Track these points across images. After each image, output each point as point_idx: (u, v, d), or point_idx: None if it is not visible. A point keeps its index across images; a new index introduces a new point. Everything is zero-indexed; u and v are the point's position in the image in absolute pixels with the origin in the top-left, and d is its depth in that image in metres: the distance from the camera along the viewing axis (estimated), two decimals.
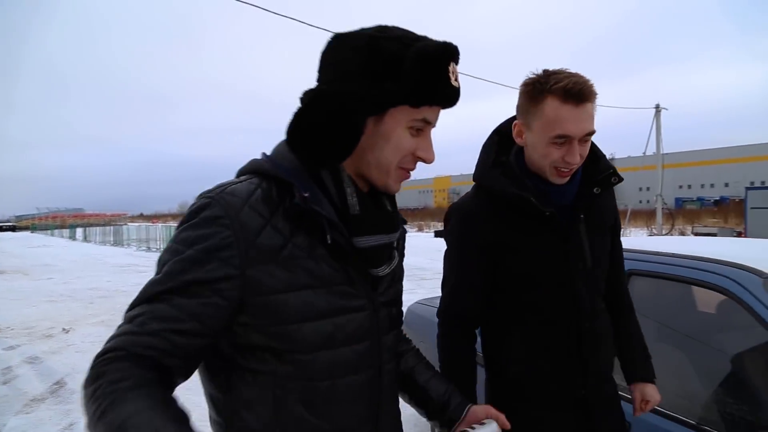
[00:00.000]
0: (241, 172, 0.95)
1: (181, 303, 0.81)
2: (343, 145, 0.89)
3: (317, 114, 0.88)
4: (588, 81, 1.28)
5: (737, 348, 1.75)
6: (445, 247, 1.52)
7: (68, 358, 5.42)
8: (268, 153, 0.97)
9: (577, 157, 1.31)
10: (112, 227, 30.61)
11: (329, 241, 0.87)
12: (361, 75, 0.88)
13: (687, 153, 75.37)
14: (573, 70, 1.30)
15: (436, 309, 1.51)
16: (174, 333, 0.80)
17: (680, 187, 73.07)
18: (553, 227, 1.38)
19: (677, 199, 66.95)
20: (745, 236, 17.62)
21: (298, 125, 0.90)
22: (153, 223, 36.80)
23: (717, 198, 61.47)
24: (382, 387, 0.98)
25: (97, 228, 33.17)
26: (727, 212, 39.77)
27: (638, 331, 1.59)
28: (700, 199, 63.87)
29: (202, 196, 0.87)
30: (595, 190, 1.41)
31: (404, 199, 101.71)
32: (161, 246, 20.14)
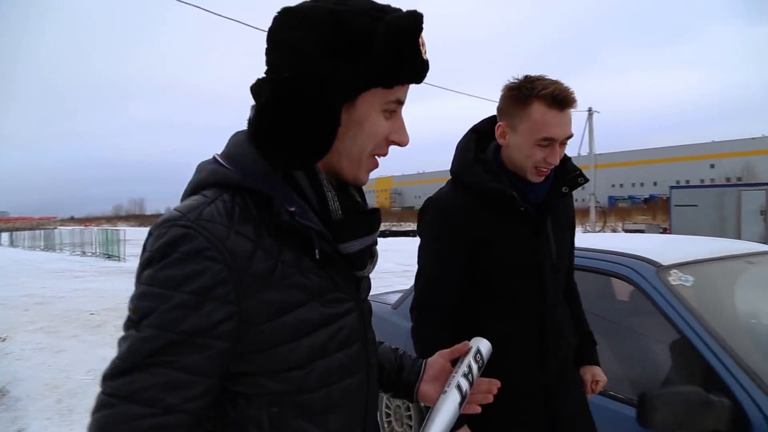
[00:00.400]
0: (202, 185, 0.80)
1: (186, 363, 0.70)
2: (322, 140, 0.77)
3: (285, 107, 0.75)
4: (570, 88, 1.37)
5: (640, 329, 2.08)
6: (420, 242, 1.54)
7: (8, 366, 5.24)
8: (220, 155, 0.83)
9: (558, 158, 1.41)
10: (42, 231, 29.10)
11: (317, 256, 0.79)
12: (325, 56, 0.76)
13: (619, 153, 79.38)
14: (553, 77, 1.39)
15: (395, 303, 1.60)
16: (191, 401, 0.71)
17: (613, 186, 76.67)
18: (526, 222, 1.46)
19: (610, 198, 70.24)
20: (670, 232, 18.94)
21: (262, 122, 0.77)
22: (86, 226, 35.16)
23: (647, 196, 65.06)
24: (370, 384, 0.93)
25: (25, 232, 31.38)
26: (656, 210, 42.25)
27: (585, 320, 1.71)
28: (631, 198, 67.20)
29: (173, 224, 0.73)
30: (564, 189, 1.51)
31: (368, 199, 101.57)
32: (97, 250, 19.38)
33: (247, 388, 0.79)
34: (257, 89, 0.80)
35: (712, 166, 67.76)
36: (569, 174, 1.51)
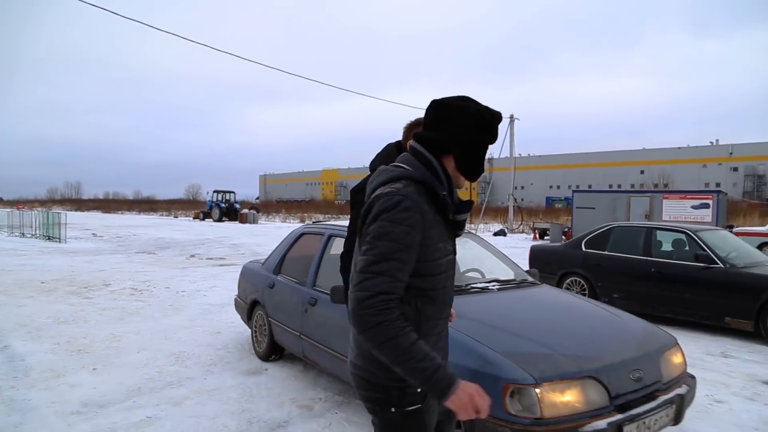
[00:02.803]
0: (396, 178, 1.52)
1: (404, 259, 1.41)
2: (482, 166, 1.58)
3: (472, 152, 1.56)
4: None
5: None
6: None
7: None
8: (401, 163, 1.58)
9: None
10: None
11: (451, 218, 1.57)
12: (477, 130, 1.53)
13: (559, 156, 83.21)
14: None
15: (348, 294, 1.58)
16: (404, 279, 1.43)
17: (551, 187, 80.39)
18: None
19: (548, 198, 73.77)
20: (572, 232, 21.34)
21: (466, 158, 1.56)
22: (19, 209, 34.55)
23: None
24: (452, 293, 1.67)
25: None
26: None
27: None
28: (566, 199, 70.71)
29: (395, 194, 1.45)
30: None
31: (291, 191, 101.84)
32: (38, 232, 19.93)
33: (410, 283, 1.47)
34: (422, 140, 1.59)
35: (642, 171, 72.10)
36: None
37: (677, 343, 3.18)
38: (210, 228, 28.38)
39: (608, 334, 3.04)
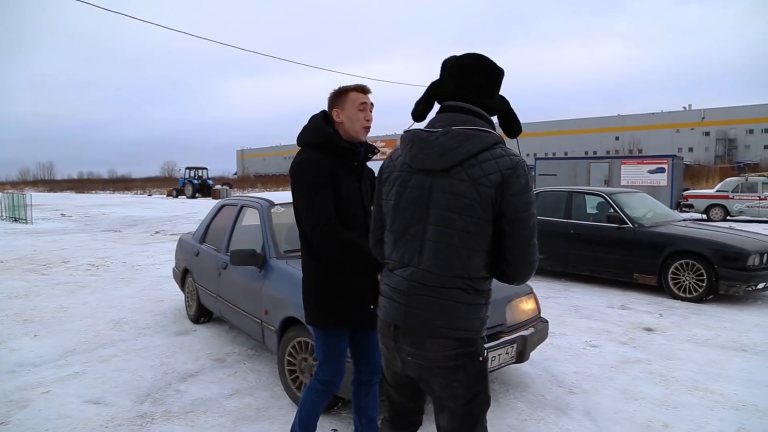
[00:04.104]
0: (497, 142, 1.55)
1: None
2: (515, 122, 1.70)
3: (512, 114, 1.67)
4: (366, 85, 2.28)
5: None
6: (302, 184, 2.18)
7: None
8: (484, 128, 1.56)
9: (371, 116, 2.26)
10: None
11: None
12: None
13: (536, 124, 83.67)
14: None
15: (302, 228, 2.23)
16: None
17: (527, 155, 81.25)
18: (354, 172, 2.29)
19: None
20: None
21: (510, 118, 1.67)
22: None
23: None
24: None
25: None
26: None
27: None
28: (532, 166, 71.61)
29: (518, 159, 1.51)
30: (369, 155, 2.36)
31: (269, 165, 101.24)
32: (3, 214, 19.96)
33: None
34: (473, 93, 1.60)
35: (617, 138, 73.07)
36: (373, 149, 2.40)
37: (531, 292, 3.66)
38: (181, 205, 28.51)
39: None
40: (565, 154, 72.92)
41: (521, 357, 3.30)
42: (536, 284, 7.09)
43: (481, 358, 1.61)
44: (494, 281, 1.65)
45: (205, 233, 5.03)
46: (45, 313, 5.74)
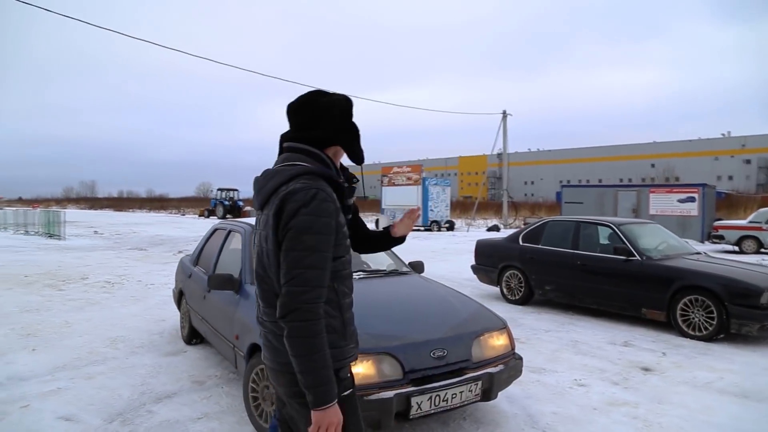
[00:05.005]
0: (299, 174, 1.59)
1: (329, 248, 1.56)
2: (355, 146, 1.73)
3: (356, 141, 1.73)
4: None
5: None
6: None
7: None
8: (298, 162, 1.63)
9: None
10: None
11: (347, 203, 1.72)
12: (344, 117, 1.72)
13: (568, 150, 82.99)
14: None
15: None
16: (329, 264, 1.57)
17: (561, 182, 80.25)
18: (345, 207, 1.84)
19: (558, 193, 74.10)
20: None
21: (323, 141, 1.69)
22: (34, 207, 35.70)
23: None
24: None
25: None
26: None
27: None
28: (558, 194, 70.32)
29: (311, 188, 1.52)
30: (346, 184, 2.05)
31: None
32: (40, 230, 20.78)
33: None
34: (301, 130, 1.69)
35: (653, 165, 71.58)
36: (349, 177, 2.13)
37: (504, 327, 3.57)
38: (210, 225, 29.09)
39: (426, 317, 3.42)
40: (599, 181, 71.85)
41: (487, 395, 3.22)
42: (540, 316, 6.97)
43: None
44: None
45: (198, 256, 5.13)
46: (49, 328, 5.92)
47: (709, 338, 5.85)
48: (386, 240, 2.14)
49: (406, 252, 4.76)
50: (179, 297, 5.50)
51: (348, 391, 1.64)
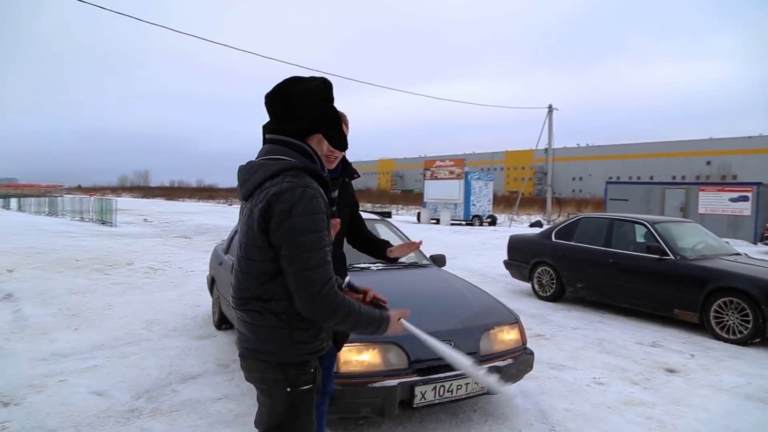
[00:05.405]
0: (283, 170, 1.58)
1: (328, 242, 1.59)
2: (336, 133, 1.73)
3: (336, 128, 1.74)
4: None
5: None
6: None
7: (12, 284, 7.68)
8: (281, 156, 1.63)
9: (337, 152, 1.95)
10: (47, 198, 31.71)
11: (331, 195, 1.69)
12: (324, 103, 1.70)
13: (618, 146, 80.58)
14: None
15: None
16: (331, 255, 1.58)
17: (610, 177, 78.19)
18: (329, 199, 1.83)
19: (606, 190, 72.05)
20: None
21: (303, 131, 1.68)
22: (91, 195, 37.53)
23: None
24: None
25: (32, 199, 34.06)
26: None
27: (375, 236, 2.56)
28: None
29: (298, 186, 1.53)
30: (345, 179, 2.29)
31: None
32: (94, 217, 21.89)
33: None
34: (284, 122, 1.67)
35: (709, 162, 68.79)
36: (351, 171, 2.32)
37: (516, 322, 3.60)
38: None
39: (437, 309, 3.49)
40: (651, 178, 69.69)
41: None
42: (569, 314, 6.90)
43: (289, 388, 1.63)
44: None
45: (229, 244, 5.34)
46: (92, 309, 6.29)
47: (743, 342, 5.66)
48: (379, 254, 2.19)
49: (444, 245, 4.84)
50: (211, 283, 5.75)
51: (308, 386, 1.66)
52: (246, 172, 1.69)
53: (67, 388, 3.80)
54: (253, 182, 1.63)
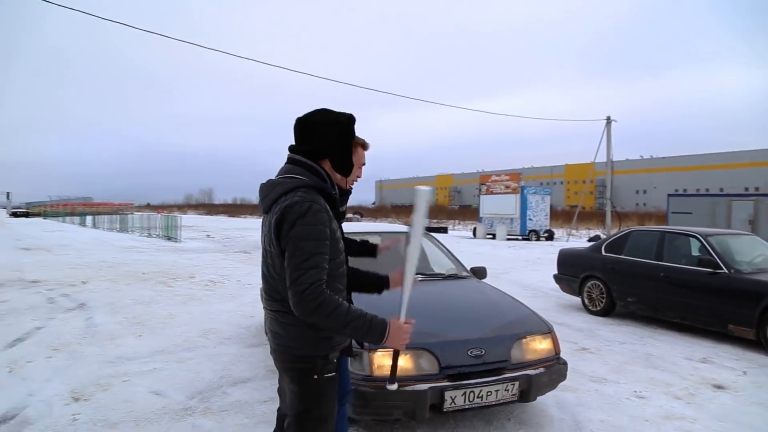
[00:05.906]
0: (296, 187, 1.83)
1: (325, 250, 1.77)
2: (342, 161, 1.94)
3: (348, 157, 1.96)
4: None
5: None
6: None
7: (86, 295, 8.37)
8: (295, 175, 1.87)
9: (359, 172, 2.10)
10: (119, 216, 33.85)
11: (339, 210, 1.95)
12: (338, 134, 1.92)
13: (683, 158, 77.06)
14: None
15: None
16: (327, 264, 1.76)
17: (676, 190, 74.89)
18: (338, 214, 2.00)
19: None
20: None
21: (316, 154, 1.92)
22: (159, 212, 39.64)
23: None
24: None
25: (105, 216, 36.42)
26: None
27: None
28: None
29: (305, 201, 1.76)
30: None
31: (401, 196, 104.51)
32: (161, 233, 23.18)
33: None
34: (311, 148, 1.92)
35: None
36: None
37: (549, 332, 3.65)
38: None
39: (469, 318, 3.60)
40: (720, 190, 66.04)
41: (525, 396, 3.33)
42: (618, 328, 6.78)
43: (316, 376, 1.85)
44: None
45: None
46: (155, 318, 6.77)
47: None
48: (379, 286, 2.33)
49: (499, 260, 4.96)
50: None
51: (332, 374, 1.89)
52: (266, 188, 1.93)
53: (129, 387, 4.17)
54: (271, 198, 1.87)
